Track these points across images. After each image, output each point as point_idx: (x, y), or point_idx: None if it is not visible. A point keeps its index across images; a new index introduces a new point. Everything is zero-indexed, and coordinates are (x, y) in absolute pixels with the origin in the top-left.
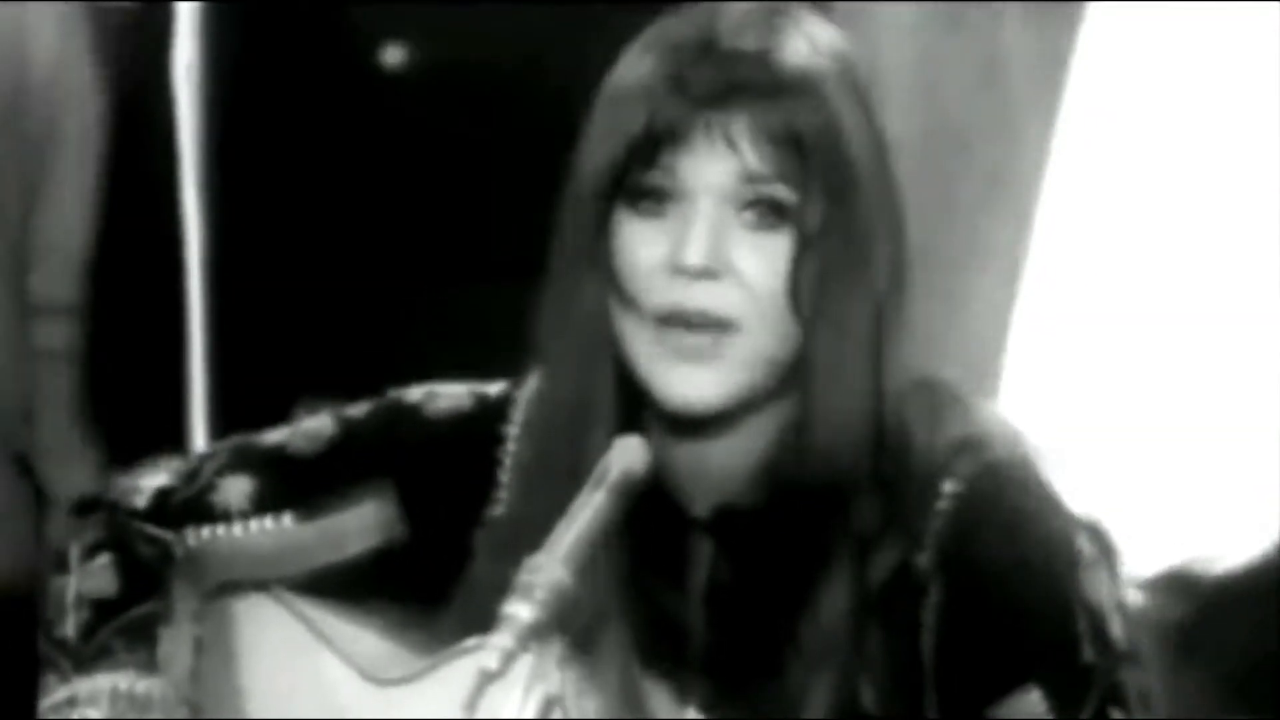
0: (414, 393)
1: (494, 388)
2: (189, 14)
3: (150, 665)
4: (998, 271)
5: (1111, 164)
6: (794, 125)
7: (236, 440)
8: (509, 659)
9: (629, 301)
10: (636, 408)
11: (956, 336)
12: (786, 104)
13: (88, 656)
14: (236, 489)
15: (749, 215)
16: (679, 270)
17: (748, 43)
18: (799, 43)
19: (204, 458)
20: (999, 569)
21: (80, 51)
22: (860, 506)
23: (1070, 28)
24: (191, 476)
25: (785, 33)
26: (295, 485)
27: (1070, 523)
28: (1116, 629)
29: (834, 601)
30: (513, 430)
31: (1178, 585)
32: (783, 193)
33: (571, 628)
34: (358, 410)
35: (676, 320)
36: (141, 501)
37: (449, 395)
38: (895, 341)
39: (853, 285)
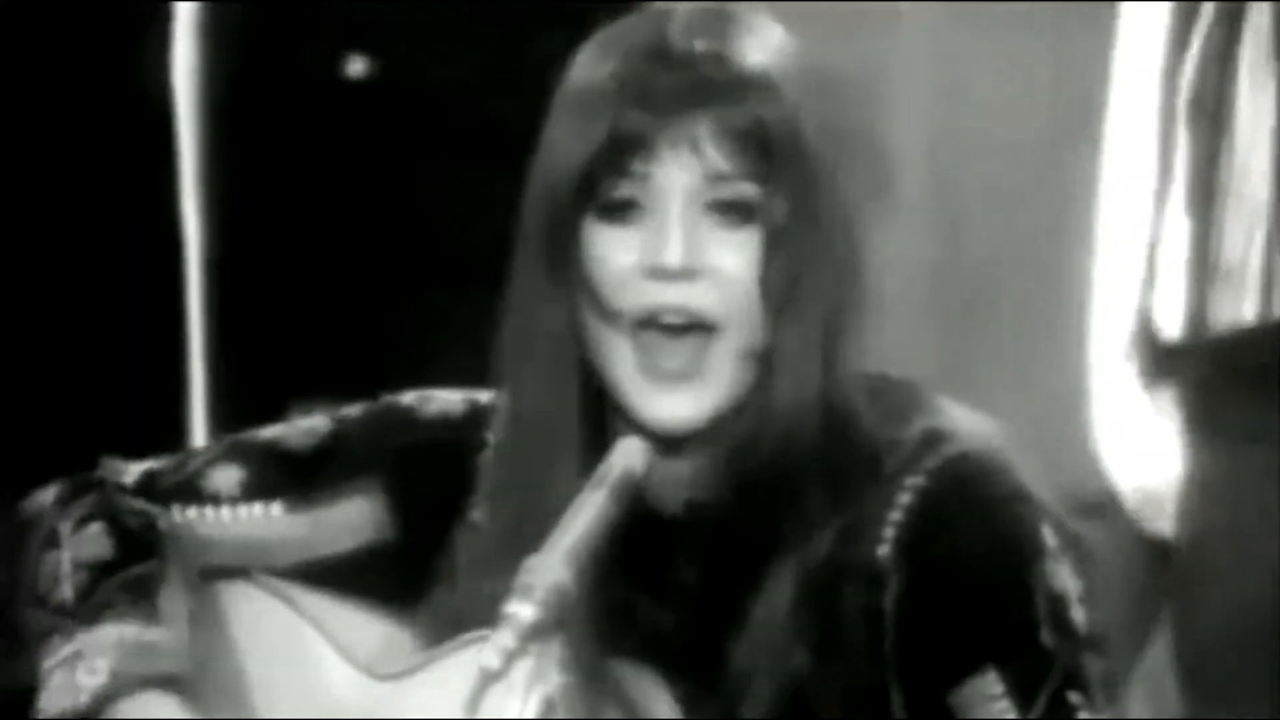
0: (408, 396)
1: (485, 395)
2: (188, 17)
3: (153, 617)
4: (1019, 279)
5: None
6: (756, 122)
7: (229, 436)
8: (510, 659)
9: (604, 311)
10: (603, 418)
11: (974, 344)
12: (746, 102)
13: (89, 611)
14: (227, 477)
15: (718, 215)
16: (656, 272)
17: (701, 45)
18: (750, 41)
19: (194, 450)
20: (960, 556)
21: None
22: (811, 493)
23: (1099, 31)
24: (181, 464)
25: (735, 32)
26: (287, 477)
27: (1035, 514)
28: (1079, 616)
29: (780, 586)
30: (491, 439)
31: None
32: (748, 191)
33: (570, 627)
34: (352, 410)
35: (655, 322)
36: (129, 479)
37: (442, 399)
38: (849, 334)
39: (815, 278)
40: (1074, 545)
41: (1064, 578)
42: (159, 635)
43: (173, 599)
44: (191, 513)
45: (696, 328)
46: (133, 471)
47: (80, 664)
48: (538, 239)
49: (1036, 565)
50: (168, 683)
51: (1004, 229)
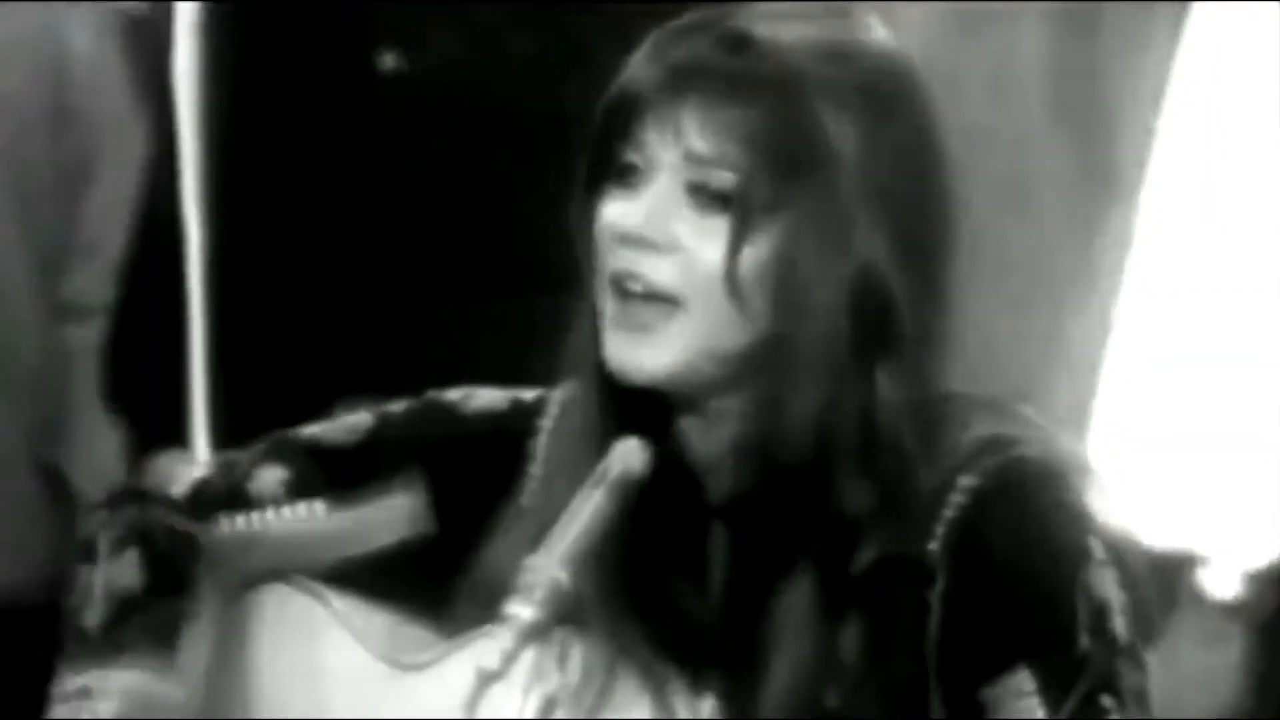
0: (452, 392)
1: (529, 393)
2: (188, 16)
3: (168, 667)
4: (1005, 274)
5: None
6: (743, 116)
7: (275, 435)
8: (509, 659)
9: (599, 271)
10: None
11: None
12: (740, 94)
13: (106, 651)
14: (271, 477)
15: (694, 196)
16: (618, 235)
17: (732, 27)
18: (792, 36)
19: (242, 453)
20: (1007, 557)
21: (116, 56)
22: (841, 494)
23: (1087, 31)
24: (229, 469)
25: (787, 25)
26: (329, 474)
27: (1086, 525)
28: (1120, 627)
29: (802, 589)
30: (546, 424)
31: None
32: (721, 179)
33: (582, 622)
34: (395, 406)
35: (620, 285)
36: (179, 490)
37: (485, 396)
38: (894, 351)
39: (819, 275)
40: (1121, 559)
41: (1108, 587)
42: (169, 691)
43: (197, 638)
44: (239, 522)
45: (656, 299)
46: (183, 481)
47: (85, 703)
48: (577, 212)
49: (1081, 571)
50: None
51: (989, 222)
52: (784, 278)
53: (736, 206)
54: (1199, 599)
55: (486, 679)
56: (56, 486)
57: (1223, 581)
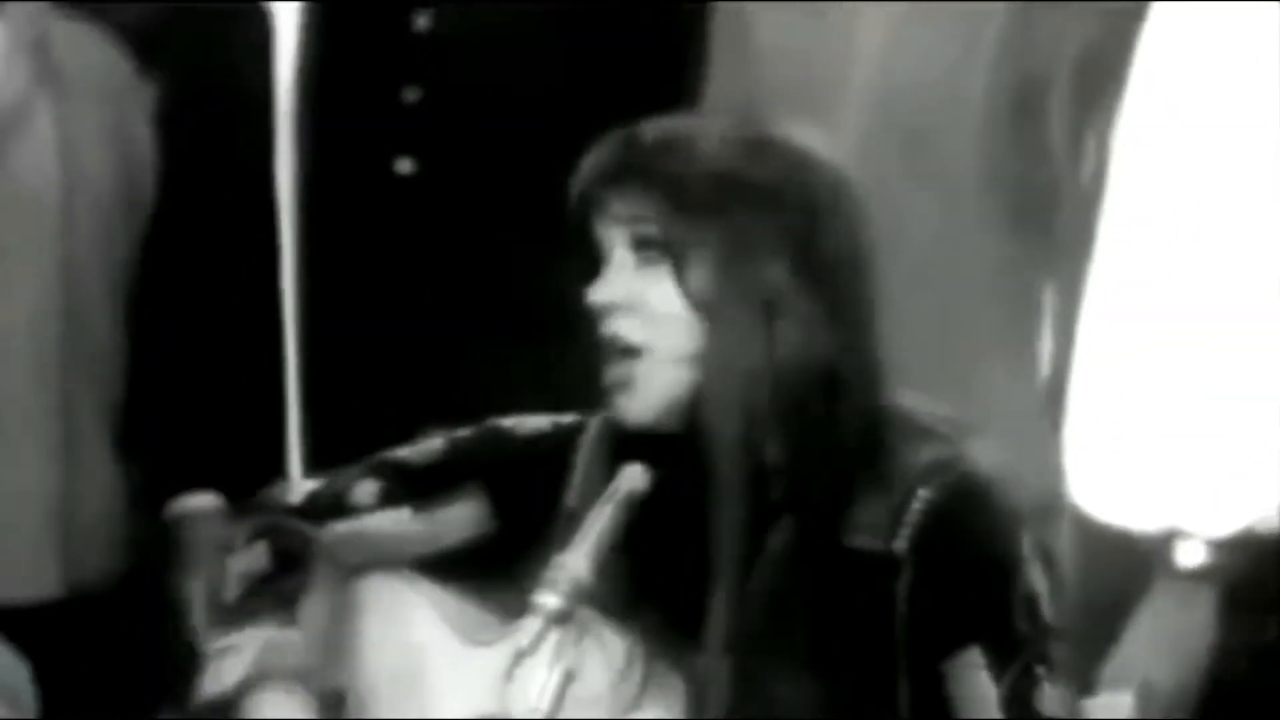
0: (507, 420)
1: (567, 417)
2: (291, 19)
3: (290, 622)
4: (962, 280)
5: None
6: (658, 197)
7: (371, 457)
8: (538, 639)
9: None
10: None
11: (917, 345)
12: (653, 183)
13: (242, 615)
14: (366, 490)
15: (637, 254)
16: (605, 309)
17: (663, 132)
18: (716, 139)
19: (346, 471)
20: (957, 559)
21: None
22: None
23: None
24: (334, 482)
25: (715, 131)
26: (411, 487)
27: (1017, 526)
28: (1048, 611)
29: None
30: (585, 442)
31: (1243, 544)
32: (650, 229)
33: (614, 613)
34: (463, 432)
35: (608, 348)
36: (296, 499)
37: (532, 421)
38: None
39: (729, 294)
40: (1045, 552)
41: (1036, 580)
42: (292, 635)
43: (313, 604)
44: (340, 527)
45: (629, 352)
46: (299, 492)
47: (229, 657)
48: (574, 298)
49: (1016, 570)
50: (298, 675)
51: (945, 226)
52: (708, 296)
53: (667, 247)
54: (1172, 569)
55: (519, 655)
56: (131, 492)
57: (1191, 553)
